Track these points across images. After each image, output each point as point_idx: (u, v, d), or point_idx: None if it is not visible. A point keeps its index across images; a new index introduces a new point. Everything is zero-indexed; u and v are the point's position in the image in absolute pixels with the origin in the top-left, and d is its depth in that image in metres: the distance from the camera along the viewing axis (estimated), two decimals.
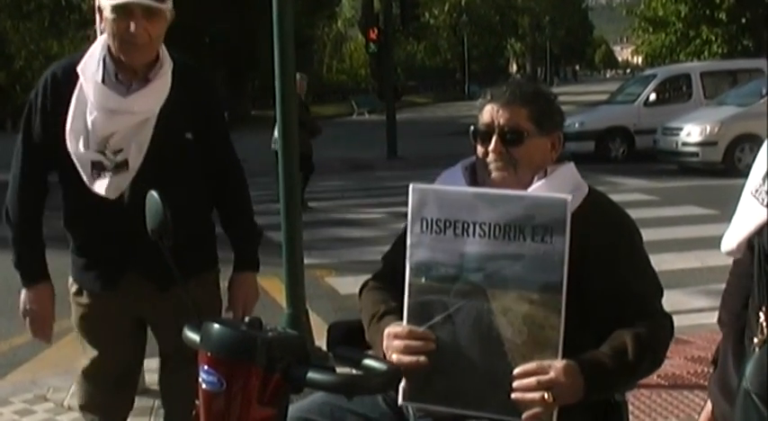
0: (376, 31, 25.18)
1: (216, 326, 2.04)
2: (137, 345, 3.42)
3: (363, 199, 15.17)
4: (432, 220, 2.44)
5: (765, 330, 1.98)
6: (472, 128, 2.77)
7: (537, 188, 2.68)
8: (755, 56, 24.44)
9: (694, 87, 21.18)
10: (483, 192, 2.49)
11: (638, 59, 43.03)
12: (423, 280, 2.44)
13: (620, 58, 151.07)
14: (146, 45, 3.06)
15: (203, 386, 2.03)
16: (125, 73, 3.12)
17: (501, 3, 76.04)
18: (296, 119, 5.74)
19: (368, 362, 2.24)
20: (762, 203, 1.95)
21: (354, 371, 2.26)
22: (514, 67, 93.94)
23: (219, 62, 36.60)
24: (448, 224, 2.42)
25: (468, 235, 2.40)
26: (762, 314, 2.00)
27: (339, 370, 2.10)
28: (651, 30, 34.82)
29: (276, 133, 7.45)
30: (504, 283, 2.36)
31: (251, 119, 36.66)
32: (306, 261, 5.95)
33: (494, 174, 2.71)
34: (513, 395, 2.28)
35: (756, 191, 2.00)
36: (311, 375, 1.99)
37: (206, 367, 2.02)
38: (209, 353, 2.03)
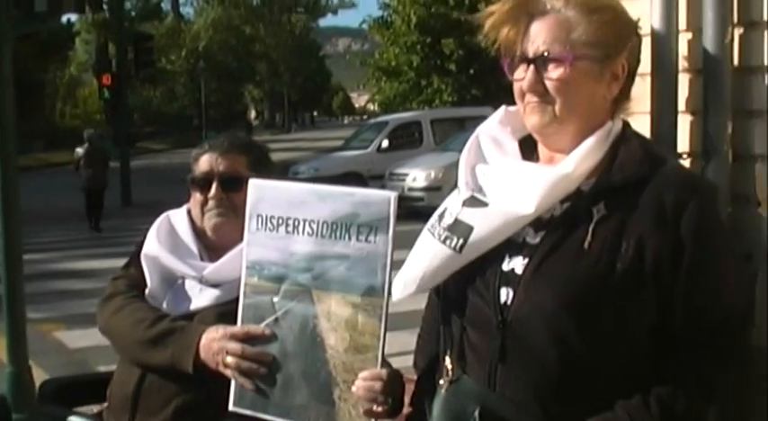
0: (110, 76, 24.65)
1: None
2: None
3: (95, 249, 14.78)
4: (266, 217, 2.34)
5: (450, 373, 2.07)
6: (190, 176, 2.78)
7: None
8: (483, 104, 25.67)
9: (425, 134, 22.08)
10: (317, 187, 2.34)
11: (375, 106, 44.18)
12: (256, 279, 2.35)
13: (357, 105, 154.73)
14: None
15: None
16: None
17: (238, 49, 76.26)
18: (15, 167, 5.49)
19: (73, 419, 2.17)
20: (438, 239, 2.04)
21: None
22: (253, 114, 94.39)
23: None
24: (281, 221, 2.31)
25: (298, 233, 2.28)
26: (447, 357, 2.09)
27: None
28: (385, 79, 35.88)
29: None
30: (329, 285, 2.23)
31: None
32: (33, 315, 5.73)
33: (213, 220, 2.76)
34: None
35: (432, 226, 2.09)
36: None
37: None
38: None
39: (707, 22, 2.31)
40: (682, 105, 2.43)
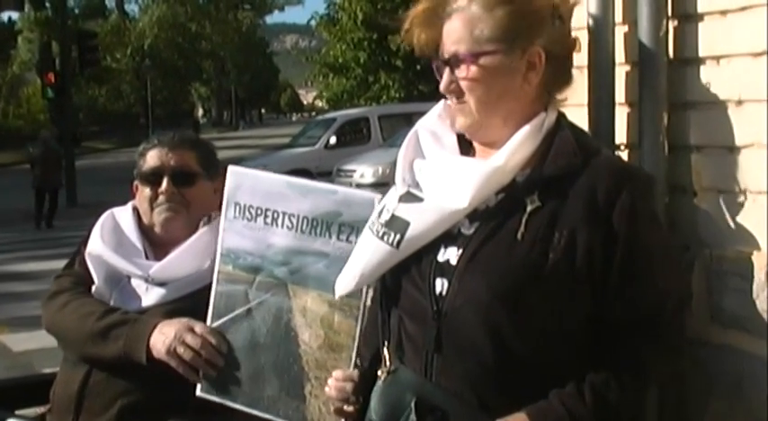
0: (53, 75, 24.33)
1: None
2: None
3: (39, 251, 14.57)
4: (245, 206, 2.34)
5: (388, 364, 2.08)
6: (137, 172, 2.77)
7: (202, 234, 2.71)
8: (430, 100, 25.70)
9: (373, 130, 22.09)
10: (297, 181, 2.35)
11: (323, 103, 44.13)
12: (230, 267, 2.37)
13: (305, 102, 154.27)
14: None
15: None
16: None
17: (185, 47, 75.63)
18: None
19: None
20: (376, 235, 2.05)
21: None
22: (200, 112, 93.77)
23: None
24: (259, 211, 2.32)
25: (277, 225, 2.29)
26: (386, 348, 2.10)
27: None
28: (332, 75, 35.82)
29: None
30: (306, 281, 2.25)
31: None
32: None
33: (164, 215, 2.75)
34: None
35: (371, 222, 2.10)
36: None
37: None
38: None
39: (642, 15, 2.33)
40: (619, 97, 2.44)
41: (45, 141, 19.62)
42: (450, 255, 1.99)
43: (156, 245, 2.79)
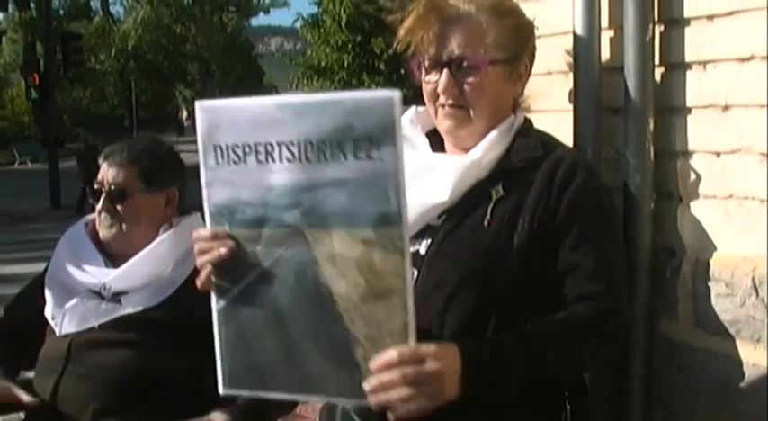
0: (37, 76, 24.22)
1: None
2: None
3: (21, 253, 14.46)
4: (227, 147, 1.84)
5: None
6: (95, 186, 2.78)
7: (162, 241, 2.72)
8: (413, 103, 25.75)
9: None
10: (289, 100, 1.84)
11: None
12: (226, 227, 1.87)
13: None
14: None
15: None
16: None
17: (169, 49, 75.47)
18: None
19: None
20: None
21: None
22: (185, 114, 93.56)
23: None
24: (248, 149, 1.82)
25: (274, 161, 1.80)
26: None
27: None
28: (316, 78, 35.82)
29: None
30: (327, 221, 1.77)
31: None
32: None
33: (103, 231, 2.75)
34: (370, 395, 1.75)
35: None
36: None
37: None
38: None
39: (628, 20, 2.33)
40: (605, 102, 2.44)
41: (84, 139, 21.85)
42: (421, 246, 2.05)
43: (115, 257, 2.76)
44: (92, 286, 2.70)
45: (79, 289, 2.72)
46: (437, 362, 1.74)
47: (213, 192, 1.88)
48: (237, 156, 1.84)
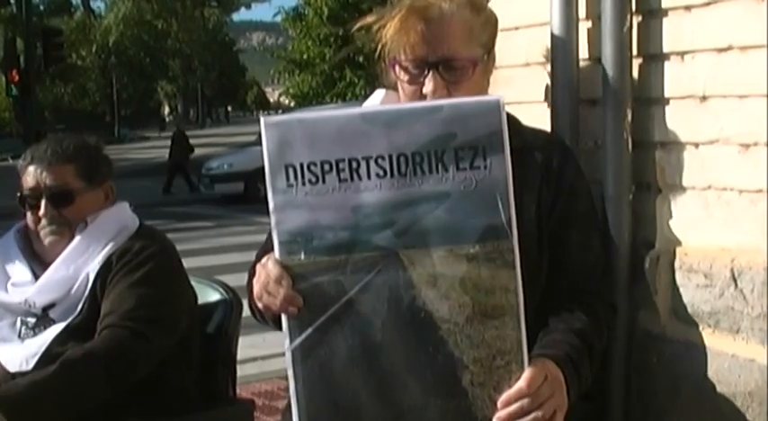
0: (18, 72, 24.07)
1: None
2: None
3: None
4: (302, 167, 1.68)
5: None
6: (19, 194, 2.60)
7: (78, 242, 2.58)
8: None
9: None
10: (376, 110, 1.77)
11: (289, 100, 43.99)
12: (301, 257, 1.70)
13: (272, 100, 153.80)
14: None
15: None
16: None
17: (151, 44, 75.23)
18: None
19: None
20: None
21: None
22: (167, 110, 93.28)
23: None
24: (327, 167, 1.67)
25: (360, 178, 1.66)
26: None
27: None
28: (298, 72, 35.71)
29: None
30: (425, 239, 1.66)
31: None
32: None
33: (48, 239, 2.59)
34: None
35: None
36: None
37: None
38: None
39: (606, 11, 2.31)
40: (582, 93, 2.43)
41: (177, 124, 27.52)
42: None
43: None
44: (18, 304, 2.57)
45: (12, 307, 2.59)
46: (551, 389, 1.74)
47: (284, 218, 1.70)
48: (314, 175, 1.67)
